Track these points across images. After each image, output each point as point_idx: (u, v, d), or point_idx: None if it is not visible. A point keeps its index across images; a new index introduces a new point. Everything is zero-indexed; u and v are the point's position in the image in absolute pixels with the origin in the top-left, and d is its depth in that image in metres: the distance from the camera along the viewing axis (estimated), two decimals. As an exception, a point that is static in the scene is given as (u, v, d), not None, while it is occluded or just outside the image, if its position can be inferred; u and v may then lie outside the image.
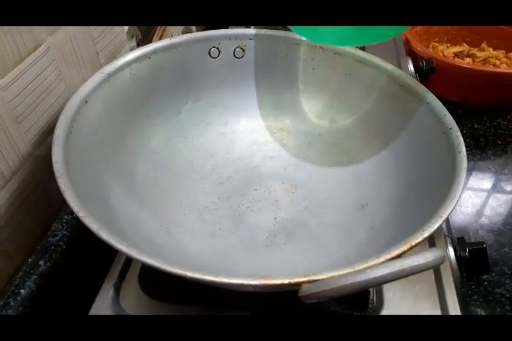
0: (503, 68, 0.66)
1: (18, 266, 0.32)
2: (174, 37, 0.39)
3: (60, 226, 0.34)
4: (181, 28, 0.59)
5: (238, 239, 0.35)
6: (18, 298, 0.30)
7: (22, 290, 0.30)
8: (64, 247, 0.33)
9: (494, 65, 0.67)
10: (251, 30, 0.41)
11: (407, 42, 0.64)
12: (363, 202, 0.36)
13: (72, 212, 0.31)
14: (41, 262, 0.32)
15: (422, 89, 0.35)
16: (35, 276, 0.31)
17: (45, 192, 0.34)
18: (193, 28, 0.62)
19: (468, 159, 0.29)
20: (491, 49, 0.69)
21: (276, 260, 0.33)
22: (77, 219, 0.25)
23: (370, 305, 0.31)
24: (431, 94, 0.34)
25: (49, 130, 0.33)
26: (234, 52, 0.41)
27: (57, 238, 0.33)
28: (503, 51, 0.69)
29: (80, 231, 0.34)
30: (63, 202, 0.26)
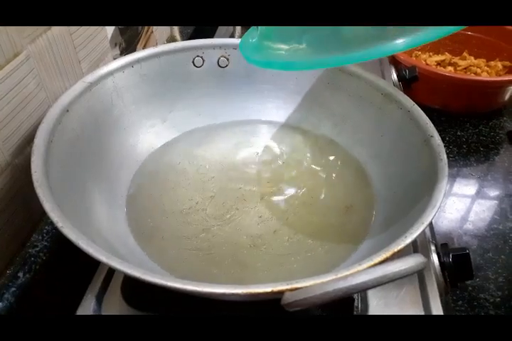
0: (484, 76, 0.67)
1: (-4, 278, 0.31)
2: (158, 46, 0.39)
3: (40, 237, 0.33)
4: (165, 36, 0.59)
5: (222, 240, 0.34)
6: (-4, 311, 0.29)
7: (0, 303, 0.29)
8: (44, 258, 0.33)
9: (475, 74, 0.68)
10: (235, 40, 0.41)
11: (390, 51, 0.65)
12: (347, 207, 0.37)
13: (52, 223, 0.31)
14: (20, 274, 0.31)
15: (403, 97, 0.35)
16: (13, 288, 0.30)
17: (24, 203, 0.34)
18: (178, 36, 0.62)
19: (452, 166, 0.29)
20: (472, 58, 0.71)
21: (260, 263, 0.33)
22: (58, 230, 0.25)
23: (355, 313, 0.31)
24: (412, 103, 0.35)
25: (29, 139, 0.33)
26: (218, 61, 0.41)
27: (37, 249, 0.33)
28: (484, 60, 0.71)
29: (61, 242, 0.33)
30: (43, 213, 0.25)
